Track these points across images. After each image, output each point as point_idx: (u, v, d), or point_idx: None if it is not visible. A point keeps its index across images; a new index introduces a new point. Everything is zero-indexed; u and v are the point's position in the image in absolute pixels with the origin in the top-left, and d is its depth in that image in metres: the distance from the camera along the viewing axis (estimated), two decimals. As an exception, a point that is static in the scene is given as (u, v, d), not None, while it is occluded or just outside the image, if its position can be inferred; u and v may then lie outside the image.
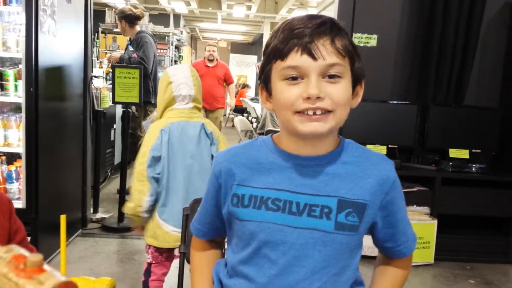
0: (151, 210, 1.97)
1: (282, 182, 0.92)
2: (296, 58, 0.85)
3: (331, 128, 0.88)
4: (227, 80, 6.11)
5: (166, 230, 1.97)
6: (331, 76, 0.85)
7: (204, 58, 6.05)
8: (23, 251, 0.47)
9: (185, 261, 1.48)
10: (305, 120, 0.86)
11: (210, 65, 5.94)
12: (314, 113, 0.85)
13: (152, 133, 1.97)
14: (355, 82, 0.91)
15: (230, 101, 6.67)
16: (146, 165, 1.92)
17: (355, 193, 0.91)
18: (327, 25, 0.86)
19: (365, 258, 1.12)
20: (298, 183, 0.92)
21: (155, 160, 1.94)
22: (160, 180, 1.95)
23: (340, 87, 0.86)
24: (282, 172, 0.93)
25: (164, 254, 2.05)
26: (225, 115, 7.58)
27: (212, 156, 2.07)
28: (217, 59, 6.00)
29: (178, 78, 2.00)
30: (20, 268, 0.45)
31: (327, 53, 0.84)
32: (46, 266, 0.46)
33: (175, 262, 2.14)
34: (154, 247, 2.01)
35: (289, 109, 0.87)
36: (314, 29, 0.85)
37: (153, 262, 2.04)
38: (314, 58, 0.84)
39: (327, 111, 0.86)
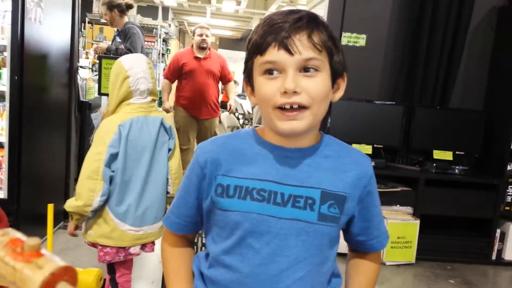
0: (97, 210, 1.86)
1: (267, 172, 0.93)
2: (274, 53, 0.86)
3: (309, 125, 0.89)
4: (224, 77, 4.55)
5: (122, 229, 1.88)
6: (307, 70, 0.87)
7: (192, 46, 4.44)
8: (19, 234, 0.46)
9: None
10: (284, 117, 0.87)
11: (201, 55, 4.35)
12: (291, 107, 0.87)
13: (109, 129, 1.85)
14: (335, 76, 0.92)
15: (231, 105, 4.83)
16: (103, 163, 1.80)
17: (337, 185, 0.94)
18: (304, 20, 0.87)
19: (343, 255, 1.12)
20: (283, 174, 0.93)
21: (113, 157, 1.83)
22: (113, 177, 1.85)
23: (317, 81, 0.88)
24: (267, 163, 0.94)
25: (122, 252, 1.95)
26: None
27: (169, 150, 2.00)
28: (210, 48, 4.46)
29: (136, 73, 1.88)
30: (17, 252, 0.43)
31: (303, 47, 0.86)
32: (44, 251, 0.45)
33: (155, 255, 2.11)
34: (109, 246, 1.91)
35: (269, 104, 0.89)
36: (291, 24, 0.86)
37: (111, 260, 1.94)
38: (290, 53, 0.86)
39: (303, 107, 0.87)
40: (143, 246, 2.01)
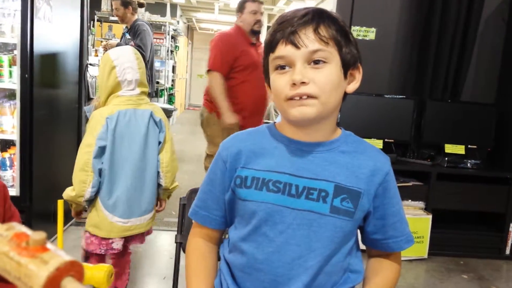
0: (91, 199, 1.92)
1: (283, 165, 0.98)
2: (282, 49, 0.92)
3: (320, 113, 0.92)
4: None
5: (111, 221, 1.92)
6: (316, 62, 0.91)
7: (240, 27, 3.06)
8: (25, 229, 0.46)
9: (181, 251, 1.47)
10: (295, 105, 0.91)
11: (256, 42, 3.14)
12: (301, 98, 0.91)
13: (97, 121, 1.88)
14: (347, 67, 0.95)
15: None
16: (92, 156, 1.84)
17: (351, 181, 0.96)
18: (310, 15, 0.92)
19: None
20: (299, 167, 0.97)
21: (102, 150, 1.86)
22: (102, 169, 1.88)
23: (325, 72, 0.91)
24: (284, 156, 0.99)
25: (104, 245, 1.97)
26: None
27: (160, 143, 2.01)
28: None
29: (122, 62, 1.91)
30: (22, 247, 0.43)
31: (309, 41, 0.90)
32: (49, 245, 0.44)
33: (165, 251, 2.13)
34: (96, 236, 1.96)
35: (281, 97, 0.93)
36: (297, 20, 0.91)
37: (93, 250, 1.98)
38: (297, 47, 0.90)
39: (312, 97, 0.91)
40: (131, 239, 2.04)
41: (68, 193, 1.90)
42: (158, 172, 2.03)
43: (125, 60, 1.92)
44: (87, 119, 2.05)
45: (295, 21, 0.91)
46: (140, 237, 2.09)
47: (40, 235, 0.43)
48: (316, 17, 0.92)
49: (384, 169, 1.00)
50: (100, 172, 1.88)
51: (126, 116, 1.91)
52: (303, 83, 0.89)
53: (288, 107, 0.93)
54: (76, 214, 2.03)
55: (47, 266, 0.41)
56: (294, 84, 0.90)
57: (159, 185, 2.06)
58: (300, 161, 0.97)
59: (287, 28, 0.91)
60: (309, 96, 0.90)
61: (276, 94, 0.95)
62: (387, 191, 1.00)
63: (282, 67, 0.93)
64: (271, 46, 0.94)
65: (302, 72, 0.90)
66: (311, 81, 0.90)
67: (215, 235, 1.11)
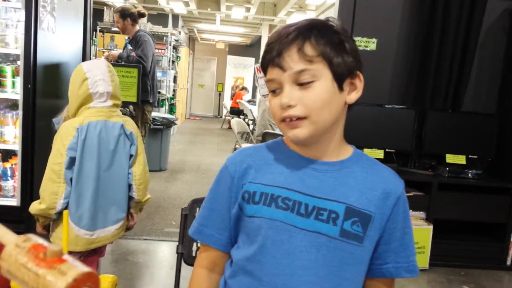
0: (61, 212, 1.88)
1: (293, 182, 0.94)
2: (271, 72, 0.93)
3: (312, 133, 0.91)
4: None
5: (77, 234, 1.88)
6: (306, 81, 0.89)
7: None
8: (41, 240, 0.46)
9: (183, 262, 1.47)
10: (287, 127, 0.92)
11: None
12: (291, 120, 0.90)
13: (68, 132, 1.88)
14: (341, 78, 0.91)
15: None
16: (63, 166, 1.82)
17: (362, 203, 0.92)
18: (293, 35, 0.90)
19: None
20: (309, 185, 0.93)
21: (73, 160, 1.85)
22: (71, 180, 1.87)
23: (314, 91, 0.89)
24: (293, 172, 0.95)
25: (76, 257, 1.99)
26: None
27: (131, 156, 2.00)
28: None
29: (94, 75, 1.90)
30: (40, 258, 0.43)
31: (293, 62, 0.89)
32: (66, 256, 0.45)
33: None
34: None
35: (276, 118, 0.94)
36: (282, 40, 0.91)
37: None
38: (283, 69, 0.90)
39: (301, 118, 0.90)
40: (94, 252, 2.02)
41: (36, 207, 1.85)
42: (131, 185, 2.00)
43: (98, 72, 1.91)
44: (55, 131, 2.03)
45: (279, 43, 0.90)
46: (103, 249, 2.09)
47: (57, 246, 0.44)
48: (301, 35, 0.89)
49: (396, 192, 0.95)
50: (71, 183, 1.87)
51: (97, 127, 1.90)
52: (289, 106, 0.89)
53: (283, 129, 0.94)
54: (44, 228, 1.96)
55: (65, 277, 0.42)
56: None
57: (131, 198, 2.03)
58: (310, 180, 0.93)
59: (273, 51, 0.91)
60: (298, 118, 0.89)
61: (272, 115, 0.96)
62: (396, 215, 0.95)
63: (273, 91, 0.93)
64: (263, 68, 0.96)
65: (289, 95, 0.89)
66: (299, 102, 0.89)
67: (221, 260, 1.04)
